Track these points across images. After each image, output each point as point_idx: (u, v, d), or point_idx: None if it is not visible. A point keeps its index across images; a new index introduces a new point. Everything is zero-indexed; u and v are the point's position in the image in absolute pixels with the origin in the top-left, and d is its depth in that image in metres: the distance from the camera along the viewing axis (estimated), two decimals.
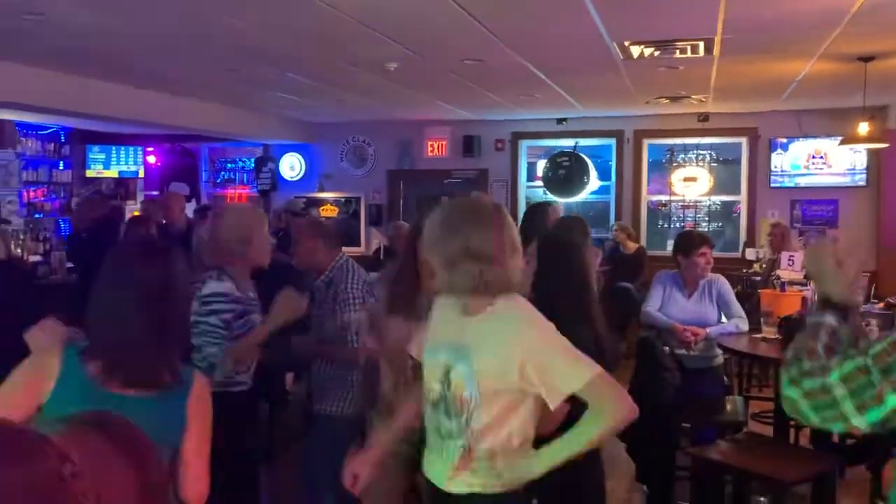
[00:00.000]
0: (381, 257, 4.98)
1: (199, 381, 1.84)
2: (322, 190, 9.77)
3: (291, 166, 9.92)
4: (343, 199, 9.75)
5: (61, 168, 9.46)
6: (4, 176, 8.10)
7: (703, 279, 4.21)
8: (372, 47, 4.93)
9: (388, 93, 6.79)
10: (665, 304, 4.22)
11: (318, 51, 5.12)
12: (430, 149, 9.30)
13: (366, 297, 3.34)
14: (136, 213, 8.31)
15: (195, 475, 1.78)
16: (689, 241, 4.27)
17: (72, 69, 5.91)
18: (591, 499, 2.51)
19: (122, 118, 7.28)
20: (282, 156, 9.91)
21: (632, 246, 7.73)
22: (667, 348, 4.12)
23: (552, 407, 1.90)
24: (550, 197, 8.52)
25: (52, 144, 9.28)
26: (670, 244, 8.91)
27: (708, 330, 4.09)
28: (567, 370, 1.89)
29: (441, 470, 2.05)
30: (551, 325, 1.95)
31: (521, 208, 8.87)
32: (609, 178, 8.82)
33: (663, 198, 8.80)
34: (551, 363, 1.89)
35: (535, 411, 1.98)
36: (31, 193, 8.94)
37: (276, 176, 9.92)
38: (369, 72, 5.82)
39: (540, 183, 8.91)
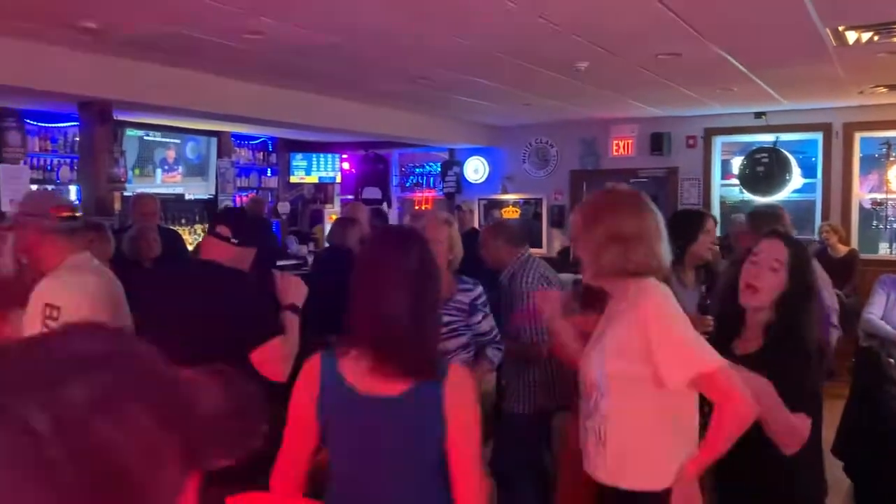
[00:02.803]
0: (571, 259, 4.94)
1: (455, 370, 1.78)
2: (504, 192, 9.88)
3: (475, 169, 10.12)
4: (523, 201, 9.80)
5: (269, 174, 10.29)
6: (222, 182, 8.98)
7: None
8: (563, 47, 4.91)
9: (576, 93, 6.73)
10: (890, 311, 3.83)
11: (508, 54, 5.18)
12: (615, 148, 9.10)
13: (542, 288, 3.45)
14: (334, 217, 8.86)
15: (463, 470, 1.71)
16: None
17: (281, 83, 6.40)
18: None
19: (324, 127, 7.78)
20: (466, 159, 10.13)
21: (842, 248, 7.11)
22: (892, 360, 3.75)
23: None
24: (747, 196, 8.06)
25: (262, 153, 10.13)
26: (884, 247, 8.13)
27: None
28: (678, 355, 1.88)
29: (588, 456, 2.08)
30: (673, 313, 1.93)
31: (715, 207, 8.47)
32: (814, 176, 8.16)
33: (878, 196, 8.01)
34: (663, 345, 1.89)
35: (671, 403, 1.95)
36: (244, 198, 9.80)
37: (461, 179, 10.15)
38: (558, 72, 5.80)
39: (735, 181, 8.43)
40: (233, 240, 2.53)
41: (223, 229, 2.55)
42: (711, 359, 1.89)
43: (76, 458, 0.48)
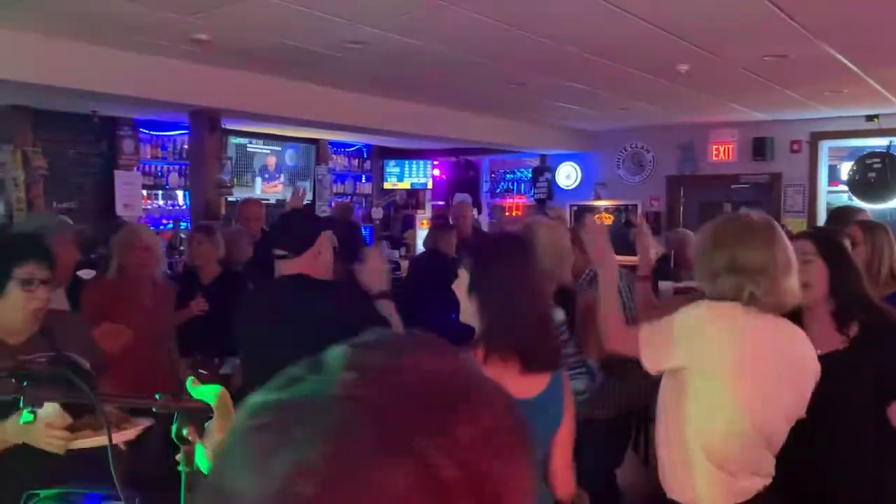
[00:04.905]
0: (672, 265, 4.84)
1: (565, 374, 1.94)
2: (598, 198, 9.75)
3: (567, 175, 10.03)
4: (614, 207, 9.64)
5: (363, 181, 10.54)
6: (320, 189, 9.24)
7: None
8: (663, 49, 4.82)
9: (675, 96, 6.59)
10: None
11: (605, 58, 5.12)
12: (714, 152, 8.83)
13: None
14: (425, 223, 8.97)
15: (564, 465, 1.85)
16: None
17: (378, 91, 6.54)
18: None
19: (417, 134, 7.88)
20: (558, 165, 10.06)
21: None
22: None
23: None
24: (856, 202, 7.66)
25: (357, 160, 10.39)
26: None
27: None
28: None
29: None
30: (682, 316, 1.96)
31: (821, 215, 8.10)
32: None
33: None
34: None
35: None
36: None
37: (553, 185, 10.08)
38: (657, 75, 5.69)
39: (842, 187, 8.05)
40: (288, 255, 2.52)
41: (279, 252, 2.56)
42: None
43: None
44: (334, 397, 0.47)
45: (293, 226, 2.65)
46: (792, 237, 2.32)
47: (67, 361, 2.14)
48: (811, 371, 2.00)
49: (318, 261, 2.54)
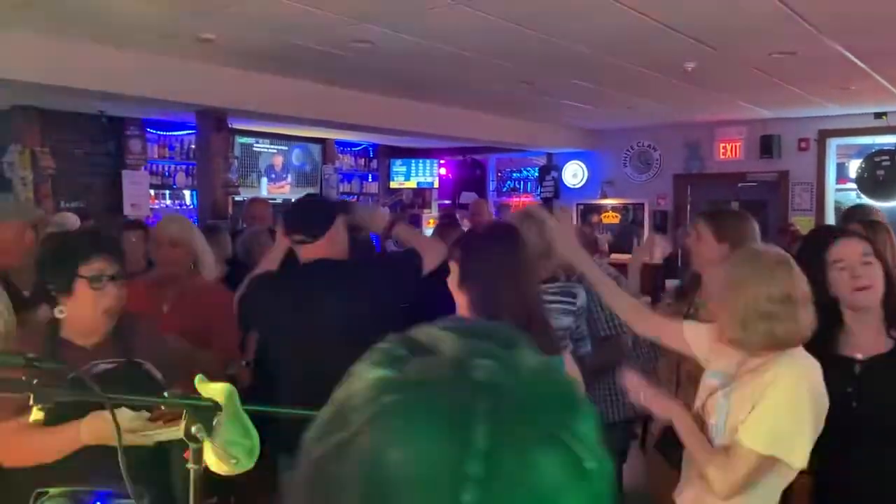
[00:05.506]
0: (679, 265, 4.83)
1: (567, 358, 1.99)
2: (604, 196, 9.73)
3: (574, 174, 10.02)
4: (621, 206, 9.62)
5: (370, 180, 10.55)
6: (326, 188, 9.25)
7: None
8: (670, 48, 4.80)
9: (682, 94, 6.57)
10: None
11: (613, 56, 5.11)
12: (721, 151, 8.80)
13: None
14: (432, 222, 8.96)
15: None
16: None
17: (385, 90, 6.53)
18: None
19: (424, 133, 7.88)
20: (565, 164, 10.04)
21: None
22: None
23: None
24: (864, 200, 7.63)
25: (363, 160, 10.41)
26: None
27: None
28: (757, 425, 1.82)
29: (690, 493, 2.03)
30: (804, 389, 1.84)
31: (829, 214, 8.07)
32: None
33: None
34: (759, 410, 1.83)
35: (774, 476, 1.86)
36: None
37: (559, 184, 10.06)
38: (664, 74, 5.68)
39: (851, 185, 8.01)
40: (307, 240, 2.57)
41: (298, 237, 2.61)
42: (759, 445, 1.83)
43: None
44: (478, 383, 0.50)
45: (309, 211, 2.71)
46: (798, 235, 2.30)
47: (137, 370, 2.06)
48: None
49: (336, 243, 2.60)
